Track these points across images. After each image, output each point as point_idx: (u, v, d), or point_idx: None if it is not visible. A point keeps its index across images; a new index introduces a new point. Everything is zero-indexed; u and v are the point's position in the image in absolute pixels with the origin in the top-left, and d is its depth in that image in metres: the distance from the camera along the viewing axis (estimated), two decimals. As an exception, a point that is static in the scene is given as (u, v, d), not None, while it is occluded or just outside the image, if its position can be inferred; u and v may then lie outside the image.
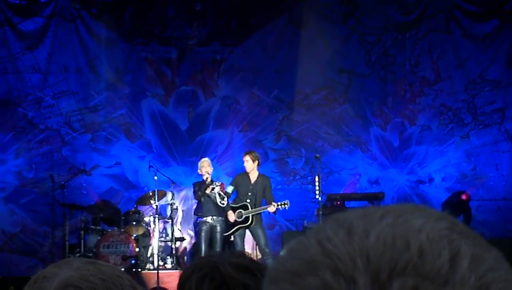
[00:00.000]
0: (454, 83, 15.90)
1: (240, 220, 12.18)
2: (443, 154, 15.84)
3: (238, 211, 12.22)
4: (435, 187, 15.76)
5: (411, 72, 16.00)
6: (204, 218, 12.32)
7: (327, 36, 15.71)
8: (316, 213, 13.36)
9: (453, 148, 15.83)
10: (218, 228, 12.32)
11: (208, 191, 12.29)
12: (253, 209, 12.17)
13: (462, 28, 15.82)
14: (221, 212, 12.49)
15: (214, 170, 13.16)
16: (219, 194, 12.39)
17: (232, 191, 12.37)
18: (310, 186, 15.07)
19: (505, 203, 15.47)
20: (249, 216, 12.15)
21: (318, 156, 13.19)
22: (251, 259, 2.36)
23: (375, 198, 14.39)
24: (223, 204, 12.41)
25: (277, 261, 0.79)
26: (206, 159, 12.87)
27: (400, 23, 15.97)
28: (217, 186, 12.38)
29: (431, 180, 15.85)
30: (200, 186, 12.40)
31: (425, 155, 15.87)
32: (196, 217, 12.53)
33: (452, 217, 0.79)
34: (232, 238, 12.46)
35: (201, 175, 12.54)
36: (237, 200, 12.37)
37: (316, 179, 13.02)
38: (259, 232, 12.19)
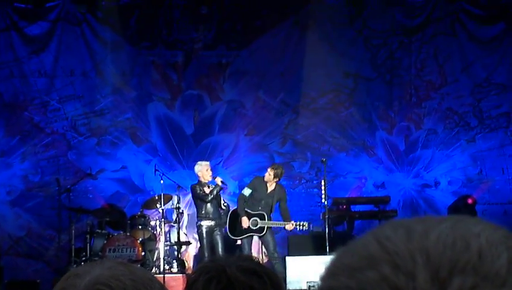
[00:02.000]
0: (460, 87, 15.88)
1: (253, 228, 12.15)
2: (449, 158, 15.81)
3: (254, 218, 12.15)
4: (441, 191, 15.74)
5: (417, 75, 15.98)
6: (207, 221, 12.29)
7: (333, 39, 15.71)
8: (321, 217, 13.34)
9: (459, 152, 15.80)
10: (219, 232, 12.33)
11: (215, 191, 12.32)
12: (269, 222, 12.13)
13: (468, 31, 15.80)
14: (221, 215, 12.55)
15: (220, 174, 13.26)
16: (222, 198, 12.51)
17: (249, 195, 12.31)
18: (315, 190, 15.06)
19: (511, 207, 15.44)
20: (264, 226, 12.12)
21: (324, 160, 13.16)
22: (258, 263, 2.36)
23: (381, 202, 14.37)
24: (226, 206, 12.47)
25: (335, 257, 0.81)
26: (208, 162, 12.88)
27: (406, 26, 15.95)
28: (218, 185, 12.44)
29: (437, 184, 15.82)
30: (201, 188, 12.38)
31: (431, 159, 15.85)
32: (199, 220, 12.48)
33: (507, 229, 0.81)
34: (239, 242, 12.44)
35: (198, 177, 12.52)
36: (249, 203, 12.28)
37: (322, 183, 13.00)
38: (269, 237, 12.17)
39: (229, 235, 12.42)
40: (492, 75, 15.75)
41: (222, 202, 12.54)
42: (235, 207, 12.49)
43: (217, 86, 15.96)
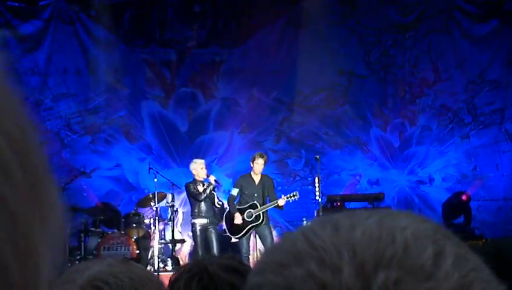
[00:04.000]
0: (454, 84, 15.90)
1: (250, 219, 12.17)
2: (443, 155, 15.84)
3: (248, 211, 12.19)
4: (435, 187, 15.76)
5: (411, 72, 16.00)
6: (201, 219, 12.28)
7: (326, 37, 15.70)
8: (316, 214, 13.35)
9: (453, 149, 15.83)
10: (213, 229, 12.32)
11: (208, 190, 12.31)
12: (262, 207, 12.17)
13: (461, 28, 15.82)
14: (215, 213, 12.54)
15: (214, 171, 13.27)
16: (216, 196, 12.51)
17: (238, 194, 12.34)
18: (310, 187, 15.06)
19: (505, 203, 15.47)
20: (259, 214, 12.15)
21: (318, 157, 13.19)
22: (240, 261, 2.38)
23: (375, 199, 14.36)
24: (220, 205, 12.48)
25: (264, 254, 0.81)
26: (203, 160, 12.85)
27: (400, 23, 15.96)
28: (212, 184, 12.43)
29: (431, 180, 15.84)
30: (195, 187, 12.36)
31: (425, 156, 15.87)
32: (192, 218, 12.47)
33: (436, 221, 0.79)
34: (234, 240, 12.43)
35: (193, 175, 12.51)
36: (242, 202, 12.32)
37: (316, 180, 13.01)
38: (267, 231, 12.20)
39: (232, 236, 12.41)
40: (485, 71, 15.78)
41: (216, 200, 12.53)
42: (228, 209, 12.50)
43: (211, 84, 15.95)
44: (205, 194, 12.27)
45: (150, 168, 13.73)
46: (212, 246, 12.20)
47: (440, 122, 15.90)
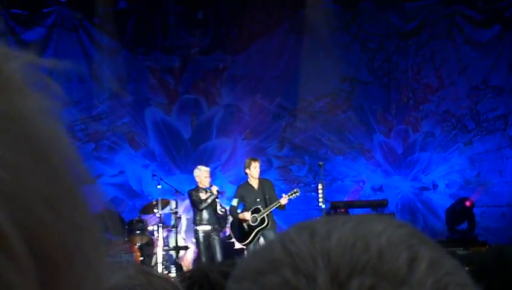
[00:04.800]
0: (457, 90, 15.89)
1: (255, 224, 12.15)
2: (447, 161, 15.82)
3: (252, 216, 12.17)
4: (439, 194, 15.74)
5: (414, 79, 16.00)
6: (203, 226, 12.27)
7: (329, 43, 15.71)
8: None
9: (457, 155, 15.81)
10: (216, 236, 12.31)
11: (209, 199, 12.29)
12: (265, 209, 12.15)
13: (464, 34, 15.82)
14: (218, 220, 12.52)
15: (218, 178, 13.24)
16: (219, 203, 12.49)
17: (238, 204, 12.32)
18: (313, 193, 15.04)
19: (509, 209, 15.44)
20: (264, 217, 12.14)
21: (321, 163, 13.19)
22: None
23: (379, 205, 14.34)
24: (222, 212, 12.46)
25: (242, 262, 0.80)
26: (208, 169, 12.84)
27: (402, 30, 15.97)
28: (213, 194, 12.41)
29: (435, 186, 15.83)
30: (197, 195, 12.35)
31: (429, 162, 15.86)
32: (194, 225, 12.47)
33: (412, 226, 0.80)
34: (238, 246, 12.41)
35: (196, 182, 12.50)
36: (246, 210, 12.29)
37: (320, 186, 13.01)
38: (273, 236, 12.14)
39: (240, 244, 12.39)
40: (488, 77, 15.77)
41: (219, 207, 12.51)
42: (231, 220, 12.49)
43: (214, 91, 15.97)
44: (206, 203, 12.26)
45: (153, 175, 13.75)
46: (216, 253, 12.19)
47: (443, 128, 15.89)
